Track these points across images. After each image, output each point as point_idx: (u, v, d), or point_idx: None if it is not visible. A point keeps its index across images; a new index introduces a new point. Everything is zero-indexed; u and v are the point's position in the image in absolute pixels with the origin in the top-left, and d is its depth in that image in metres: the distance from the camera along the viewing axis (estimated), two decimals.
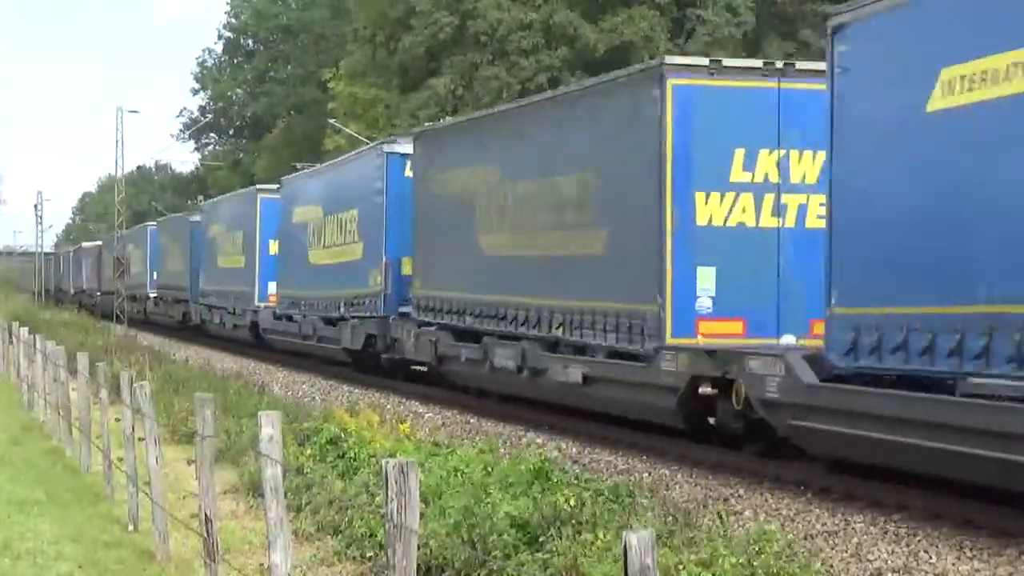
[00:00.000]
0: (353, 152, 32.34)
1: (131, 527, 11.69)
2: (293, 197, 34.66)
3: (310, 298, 31.96)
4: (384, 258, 26.48)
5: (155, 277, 55.34)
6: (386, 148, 27.11)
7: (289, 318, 34.09)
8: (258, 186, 39.17)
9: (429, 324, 23.96)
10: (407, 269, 25.72)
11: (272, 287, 36.37)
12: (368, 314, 27.24)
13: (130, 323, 54.16)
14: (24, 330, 25.78)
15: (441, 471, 11.89)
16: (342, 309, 29.03)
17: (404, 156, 26.32)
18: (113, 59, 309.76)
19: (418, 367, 26.66)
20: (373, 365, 28.13)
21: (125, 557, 10.44)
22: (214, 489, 9.25)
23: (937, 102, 11.77)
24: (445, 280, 23.36)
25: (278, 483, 7.70)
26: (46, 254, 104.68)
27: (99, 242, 69.34)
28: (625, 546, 4.42)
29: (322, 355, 31.65)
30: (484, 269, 21.73)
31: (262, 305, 36.85)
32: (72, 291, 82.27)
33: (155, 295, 55.08)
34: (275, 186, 38.25)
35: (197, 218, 47.97)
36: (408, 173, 25.99)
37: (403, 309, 25.68)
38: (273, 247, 36.61)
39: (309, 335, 32.06)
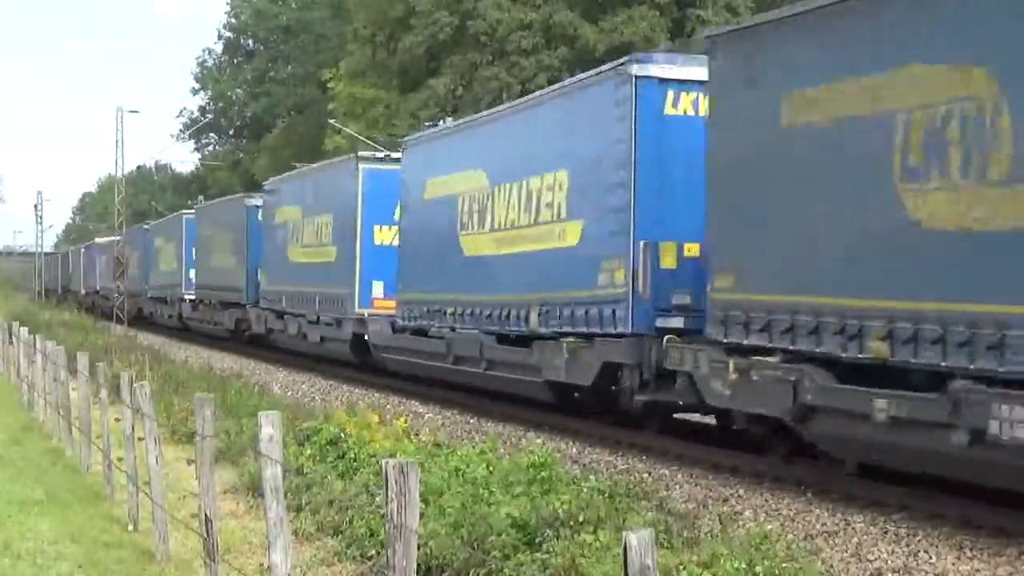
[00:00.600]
0: (548, 89, 23.00)
1: (131, 527, 11.68)
2: (425, 164, 24.51)
3: (465, 304, 22.21)
4: (632, 243, 16.93)
5: (192, 276, 46.32)
6: (635, 70, 17.18)
7: (422, 332, 24.29)
8: (360, 153, 30.01)
9: (763, 351, 14.04)
10: (668, 260, 16.69)
11: (378, 288, 27.88)
12: (598, 330, 17.66)
13: (162, 331, 51.06)
14: (24, 330, 25.79)
15: (441, 471, 11.90)
16: (533, 320, 19.56)
17: (664, 83, 17.05)
18: (113, 59, 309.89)
19: (690, 414, 18.03)
20: (600, 406, 18.98)
21: (125, 557, 10.44)
22: (214, 489, 9.25)
23: None
24: (806, 276, 13.46)
25: (278, 483, 7.70)
26: (47, 254, 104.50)
27: (117, 237, 61.48)
28: (625, 546, 4.42)
29: (497, 389, 21.84)
30: (941, 253, 11.65)
31: (366, 312, 27.75)
32: (83, 291, 75.60)
33: (194, 298, 46.05)
34: (382, 153, 29.85)
35: (256, 201, 38.82)
36: (673, 108, 16.97)
37: (664, 322, 16.42)
38: (381, 235, 27.94)
39: (470, 358, 22.02)
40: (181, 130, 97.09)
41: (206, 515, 8.96)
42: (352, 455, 13.58)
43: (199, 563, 9.65)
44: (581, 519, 9.60)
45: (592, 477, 12.38)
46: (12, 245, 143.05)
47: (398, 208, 26.53)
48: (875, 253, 12.53)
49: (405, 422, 17.19)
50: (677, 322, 16.25)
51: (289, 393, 25.61)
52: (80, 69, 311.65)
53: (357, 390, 26.26)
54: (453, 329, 22.83)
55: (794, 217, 13.73)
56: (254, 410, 13.21)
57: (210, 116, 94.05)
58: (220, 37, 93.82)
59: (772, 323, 13.84)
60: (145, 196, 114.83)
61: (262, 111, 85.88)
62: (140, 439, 11.47)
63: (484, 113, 25.51)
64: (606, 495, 10.80)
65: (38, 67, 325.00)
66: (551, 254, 19.21)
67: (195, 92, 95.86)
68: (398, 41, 56.79)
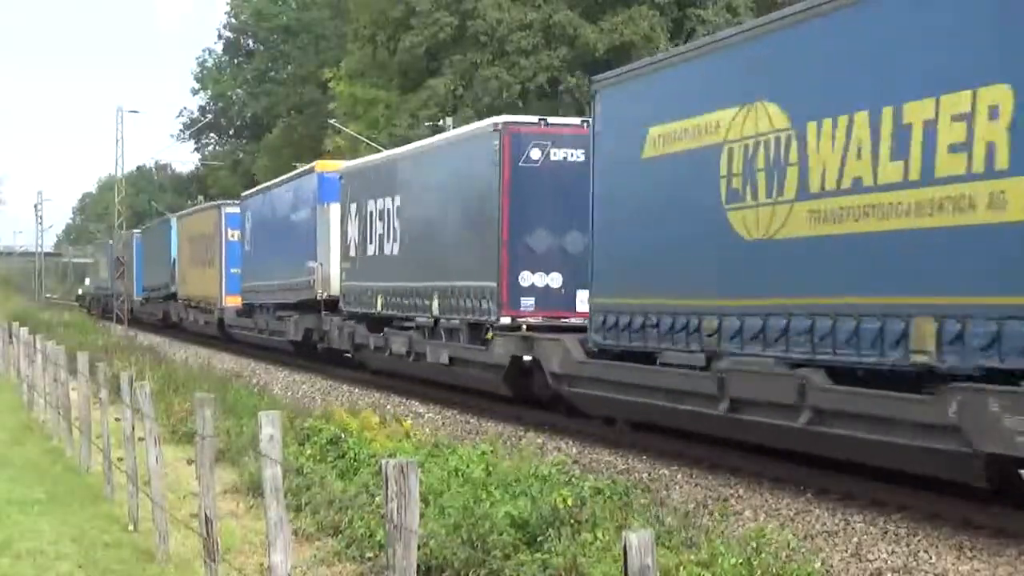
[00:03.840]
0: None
1: (131, 527, 11.68)
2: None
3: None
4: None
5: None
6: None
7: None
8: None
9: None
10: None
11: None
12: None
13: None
14: (24, 330, 25.79)
15: (441, 471, 11.89)
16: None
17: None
18: (113, 59, 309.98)
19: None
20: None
21: (125, 557, 10.44)
22: (214, 489, 9.25)
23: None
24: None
25: (278, 483, 7.70)
26: (50, 251, 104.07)
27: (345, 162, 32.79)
28: (625, 546, 4.42)
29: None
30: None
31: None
32: (222, 312, 41.14)
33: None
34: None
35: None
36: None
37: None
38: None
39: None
40: (181, 130, 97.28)
41: (206, 515, 8.96)
42: (352, 455, 13.58)
43: (199, 563, 9.65)
44: (583, 519, 9.60)
45: (592, 477, 12.38)
46: (12, 245, 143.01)
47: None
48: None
49: (405, 422, 17.19)
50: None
51: (289, 393, 25.61)
52: (80, 69, 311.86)
53: (357, 390, 26.26)
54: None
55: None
56: (254, 410, 13.22)
57: (210, 116, 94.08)
58: (220, 37, 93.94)
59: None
60: (145, 196, 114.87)
61: (262, 111, 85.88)
62: (140, 439, 11.47)
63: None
64: (606, 495, 10.80)
65: (38, 67, 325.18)
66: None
67: (195, 92, 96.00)
68: (398, 41, 56.78)
